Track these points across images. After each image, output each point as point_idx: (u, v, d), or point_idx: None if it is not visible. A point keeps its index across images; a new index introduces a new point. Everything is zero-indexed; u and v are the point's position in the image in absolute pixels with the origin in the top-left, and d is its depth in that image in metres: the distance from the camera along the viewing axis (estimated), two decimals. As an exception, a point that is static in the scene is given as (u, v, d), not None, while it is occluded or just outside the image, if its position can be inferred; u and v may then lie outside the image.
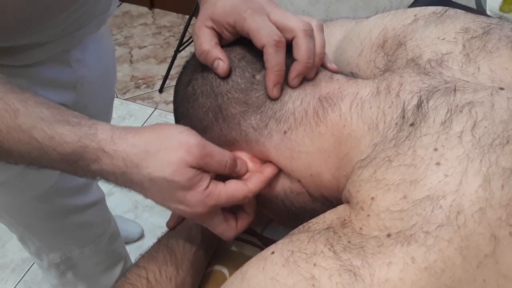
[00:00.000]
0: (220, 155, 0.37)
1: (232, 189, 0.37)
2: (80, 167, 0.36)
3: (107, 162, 0.35)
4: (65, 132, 0.35)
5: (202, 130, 0.41)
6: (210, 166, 0.36)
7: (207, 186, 0.36)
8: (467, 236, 0.26)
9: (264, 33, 0.37)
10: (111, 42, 0.76)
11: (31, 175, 0.62)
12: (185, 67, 0.46)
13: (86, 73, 0.64)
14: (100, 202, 0.79)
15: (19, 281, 1.20)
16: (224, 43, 0.42)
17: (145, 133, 0.36)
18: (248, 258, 0.52)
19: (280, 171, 0.41)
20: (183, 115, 0.43)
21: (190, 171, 0.35)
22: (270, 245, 0.53)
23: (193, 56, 0.45)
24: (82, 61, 0.62)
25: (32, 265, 1.23)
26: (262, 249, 0.54)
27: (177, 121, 0.45)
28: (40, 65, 0.55)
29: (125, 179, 0.36)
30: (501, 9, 1.11)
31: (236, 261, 0.52)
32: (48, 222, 0.71)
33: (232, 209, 0.41)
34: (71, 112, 0.37)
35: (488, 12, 1.10)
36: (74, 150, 0.35)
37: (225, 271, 0.51)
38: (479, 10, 1.11)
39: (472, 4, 1.15)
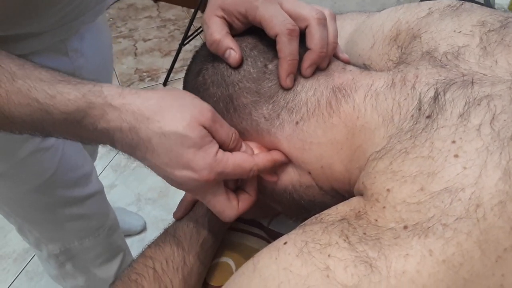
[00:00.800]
0: (227, 127, 0.37)
1: (239, 159, 0.36)
2: (85, 127, 0.34)
3: (114, 117, 0.33)
4: (67, 90, 0.33)
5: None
6: (218, 133, 0.36)
7: (216, 152, 0.35)
8: (486, 230, 0.25)
9: (277, 22, 0.37)
10: (109, 33, 0.75)
11: (29, 166, 0.62)
12: (194, 57, 0.45)
13: (84, 63, 0.63)
14: (99, 194, 0.79)
15: (21, 271, 1.20)
16: (235, 33, 0.41)
17: (159, 91, 0.35)
18: (254, 250, 0.52)
19: (289, 164, 0.40)
20: None
21: (203, 129, 0.34)
22: (276, 238, 0.53)
23: (203, 45, 0.45)
24: (80, 51, 0.62)
25: (34, 255, 1.23)
26: (268, 242, 0.53)
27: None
28: (37, 55, 0.54)
29: (131, 137, 0.34)
30: (510, 8, 1.10)
31: (242, 253, 0.52)
32: (47, 214, 0.71)
33: (234, 190, 0.40)
34: (71, 75, 0.36)
35: (496, 10, 1.10)
36: (79, 107, 0.33)
37: (231, 263, 0.51)
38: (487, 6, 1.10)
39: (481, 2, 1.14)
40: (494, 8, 1.07)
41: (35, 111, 0.34)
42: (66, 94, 0.33)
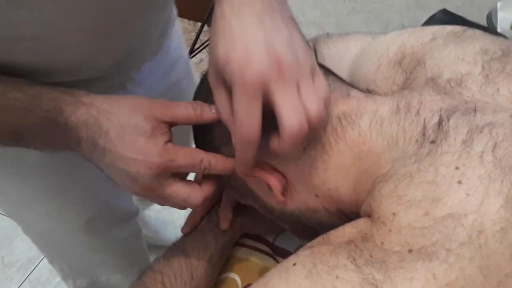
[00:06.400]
0: (183, 103, 0.39)
1: (190, 149, 0.38)
2: (59, 124, 0.37)
3: (83, 112, 0.37)
4: (47, 90, 0.37)
5: (221, 142, 0.41)
6: (175, 112, 0.38)
7: (167, 142, 0.37)
8: (488, 255, 0.26)
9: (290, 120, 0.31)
10: (180, 58, 0.70)
11: (75, 205, 0.62)
12: (202, 80, 0.46)
13: (143, 93, 0.59)
14: (137, 234, 0.79)
15: (24, 280, 1.20)
16: None
17: (119, 95, 0.39)
18: (259, 266, 0.53)
19: (296, 187, 0.41)
20: (203, 128, 0.44)
21: (155, 121, 0.37)
22: (281, 254, 0.55)
23: (200, 84, 0.46)
24: (138, 81, 0.59)
25: (37, 264, 1.23)
26: (273, 258, 0.54)
27: (196, 132, 0.46)
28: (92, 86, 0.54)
29: (94, 130, 0.37)
30: (512, 28, 1.12)
31: (248, 269, 0.53)
32: (83, 251, 0.71)
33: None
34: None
35: (499, 30, 1.12)
36: (56, 104, 0.37)
37: (237, 278, 0.52)
38: (490, 28, 1.12)
39: (484, 23, 1.16)
40: (496, 30, 1.09)
41: (15, 111, 0.36)
42: (46, 94, 0.37)
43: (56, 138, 0.38)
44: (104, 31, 0.44)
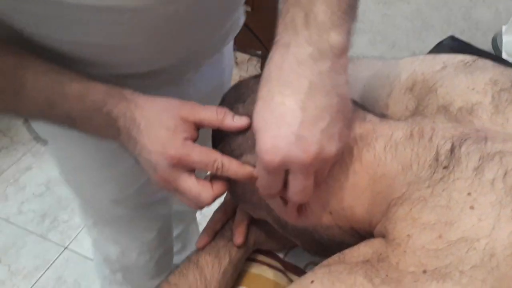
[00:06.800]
0: (211, 107, 0.42)
1: (207, 148, 0.40)
2: (103, 114, 0.41)
3: (123, 105, 0.41)
4: (99, 85, 0.42)
5: (240, 153, 0.43)
6: (200, 114, 0.41)
7: (186, 139, 0.40)
8: (499, 278, 0.28)
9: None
10: (229, 63, 0.74)
11: (119, 180, 0.66)
12: (223, 99, 0.48)
13: (193, 93, 0.63)
14: (168, 218, 0.82)
15: (30, 289, 1.21)
16: None
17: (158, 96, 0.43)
18: (270, 281, 0.55)
19: (310, 205, 0.42)
20: (223, 140, 0.46)
21: (180, 120, 0.41)
22: (292, 270, 0.56)
23: (233, 88, 0.48)
24: (192, 80, 0.62)
25: (44, 273, 1.24)
26: (284, 273, 0.56)
27: (216, 144, 0.48)
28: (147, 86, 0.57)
29: (130, 121, 0.41)
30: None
31: (259, 284, 0.54)
32: (123, 218, 0.75)
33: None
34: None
35: (504, 54, 1.14)
36: (104, 97, 0.41)
37: (249, 293, 0.53)
38: (496, 53, 1.14)
39: (489, 47, 1.19)
40: (502, 55, 1.11)
41: (71, 98, 0.42)
42: (96, 87, 0.42)
43: (100, 126, 0.43)
44: (172, 34, 0.48)
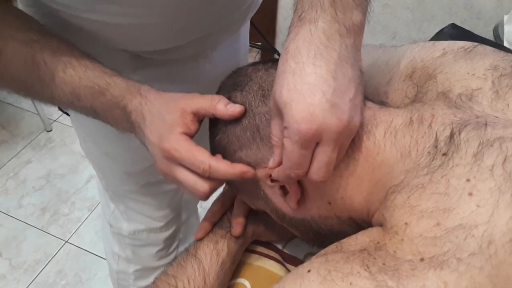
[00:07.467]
0: (208, 96, 0.43)
1: (197, 149, 0.40)
2: (120, 108, 0.44)
3: (137, 101, 0.44)
4: (119, 81, 0.45)
5: (239, 147, 0.43)
6: (196, 103, 0.42)
7: (184, 132, 0.41)
8: (497, 265, 0.27)
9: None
10: (245, 43, 0.76)
11: (133, 154, 0.67)
12: (221, 86, 0.48)
13: (210, 69, 0.64)
14: (178, 198, 0.83)
15: (31, 283, 1.21)
16: None
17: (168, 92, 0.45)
18: (269, 272, 0.54)
19: (308, 195, 0.42)
20: (221, 131, 0.45)
21: (179, 112, 0.41)
22: (290, 261, 0.56)
23: (230, 75, 0.48)
24: (209, 57, 0.64)
25: (44, 267, 1.25)
26: (283, 264, 0.55)
27: (214, 136, 0.47)
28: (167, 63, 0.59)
29: (140, 115, 0.43)
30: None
31: (258, 275, 0.54)
32: (133, 199, 0.77)
33: None
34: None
35: (506, 44, 1.13)
36: (122, 92, 0.44)
37: (247, 284, 0.53)
38: (497, 42, 1.13)
39: (490, 36, 1.17)
40: (503, 43, 1.09)
41: (94, 92, 0.45)
42: (118, 84, 0.45)
43: (118, 119, 0.46)
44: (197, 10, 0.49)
